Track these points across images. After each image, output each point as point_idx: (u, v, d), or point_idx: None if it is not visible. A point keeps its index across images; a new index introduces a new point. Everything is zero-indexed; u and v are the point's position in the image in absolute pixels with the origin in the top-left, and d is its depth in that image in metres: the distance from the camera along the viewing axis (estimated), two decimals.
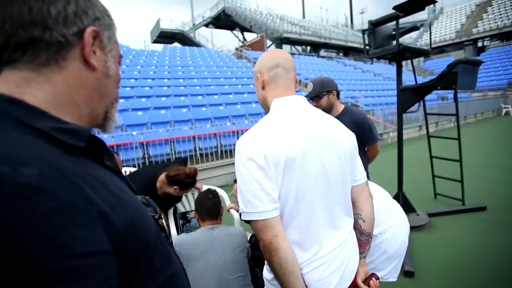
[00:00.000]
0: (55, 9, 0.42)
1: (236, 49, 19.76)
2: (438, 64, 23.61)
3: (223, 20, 26.29)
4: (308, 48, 26.22)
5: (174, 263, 0.52)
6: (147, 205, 0.58)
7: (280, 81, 0.95)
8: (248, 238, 2.02)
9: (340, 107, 2.05)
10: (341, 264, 0.90)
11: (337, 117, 1.33)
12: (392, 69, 17.99)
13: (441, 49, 27.84)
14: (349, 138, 0.96)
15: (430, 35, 3.38)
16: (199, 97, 8.25)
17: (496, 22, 24.07)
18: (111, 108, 0.53)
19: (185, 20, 30.67)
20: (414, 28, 3.17)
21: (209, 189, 1.84)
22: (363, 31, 3.14)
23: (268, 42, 23.39)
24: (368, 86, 14.91)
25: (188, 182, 1.94)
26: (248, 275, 1.49)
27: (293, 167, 0.82)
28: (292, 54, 23.22)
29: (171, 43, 26.89)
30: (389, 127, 8.71)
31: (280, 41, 23.20)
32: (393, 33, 3.01)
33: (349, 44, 25.68)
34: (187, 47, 17.80)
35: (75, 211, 0.33)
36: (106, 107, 0.52)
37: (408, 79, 11.09)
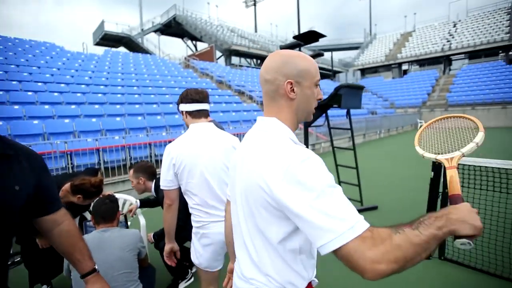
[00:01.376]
0: None
1: (185, 58, 19.67)
2: (373, 82, 26.68)
3: (174, 28, 26.01)
4: (259, 61, 27.30)
5: None
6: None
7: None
8: (152, 236, 2.29)
9: None
10: None
11: None
12: (330, 83, 19.74)
13: (374, 69, 31.51)
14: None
15: (332, 60, 3.99)
16: (137, 106, 8.09)
17: (414, 50, 28.27)
18: None
19: (133, 24, 29.51)
20: (318, 54, 3.72)
21: (108, 195, 1.95)
22: None
23: (218, 53, 23.75)
24: None
25: (92, 191, 1.99)
26: (134, 272, 1.64)
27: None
28: (241, 66, 23.88)
29: (117, 47, 25.60)
30: (321, 138, 9.57)
31: (230, 53, 23.75)
32: None
33: None
34: (131, 53, 17.19)
35: None
36: None
37: None
